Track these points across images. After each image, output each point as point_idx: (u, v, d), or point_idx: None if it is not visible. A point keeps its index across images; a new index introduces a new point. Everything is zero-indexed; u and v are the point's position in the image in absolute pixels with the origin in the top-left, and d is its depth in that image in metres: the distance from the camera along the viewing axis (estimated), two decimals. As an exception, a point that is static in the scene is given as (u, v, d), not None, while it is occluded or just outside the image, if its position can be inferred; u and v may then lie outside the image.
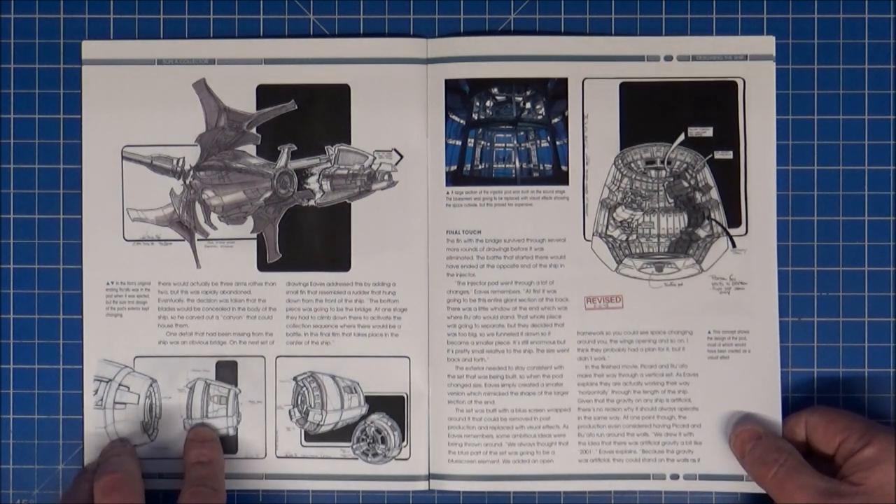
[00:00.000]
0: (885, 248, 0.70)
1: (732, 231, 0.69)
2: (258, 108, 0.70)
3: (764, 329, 0.69)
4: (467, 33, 0.71)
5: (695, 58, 0.69)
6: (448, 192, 0.70)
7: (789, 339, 0.70)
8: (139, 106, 0.70)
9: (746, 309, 0.69)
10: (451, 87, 0.70)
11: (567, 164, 0.70)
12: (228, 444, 0.70)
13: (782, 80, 0.70)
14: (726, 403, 0.69)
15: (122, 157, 0.70)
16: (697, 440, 0.69)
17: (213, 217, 0.70)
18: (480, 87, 0.70)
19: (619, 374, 0.69)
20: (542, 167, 0.70)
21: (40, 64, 0.71)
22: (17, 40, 0.71)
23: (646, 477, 0.69)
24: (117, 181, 0.70)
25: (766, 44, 0.69)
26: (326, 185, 0.70)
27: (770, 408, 0.69)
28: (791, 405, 0.69)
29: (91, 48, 0.71)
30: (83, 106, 0.71)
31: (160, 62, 0.71)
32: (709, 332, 0.69)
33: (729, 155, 0.69)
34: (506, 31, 0.71)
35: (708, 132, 0.69)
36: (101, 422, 0.70)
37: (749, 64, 0.69)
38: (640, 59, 0.70)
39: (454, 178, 0.70)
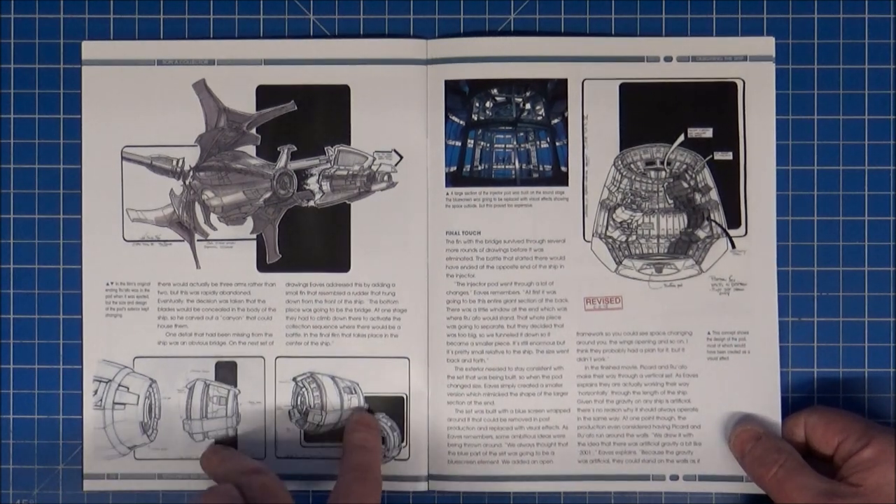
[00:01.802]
0: (885, 248, 0.70)
1: (732, 232, 0.69)
2: (258, 108, 0.70)
3: (763, 330, 0.69)
4: (467, 34, 0.71)
5: (694, 58, 0.69)
6: (448, 193, 0.70)
7: (789, 339, 0.70)
8: (139, 106, 0.70)
9: (746, 310, 0.69)
10: (451, 87, 0.70)
11: (567, 165, 0.69)
12: (228, 445, 0.70)
13: (782, 80, 0.70)
14: (726, 404, 0.69)
15: (122, 158, 0.70)
16: (697, 441, 0.69)
17: (213, 218, 0.70)
18: (480, 87, 0.70)
19: (619, 374, 0.69)
20: (541, 168, 0.69)
21: (40, 64, 0.71)
22: (17, 40, 0.71)
23: (645, 478, 0.69)
24: (117, 181, 0.70)
25: (766, 45, 0.69)
26: (326, 186, 0.70)
27: (770, 409, 0.69)
28: (791, 405, 0.69)
29: (91, 48, 0.71)
30: (83, 106, 0.71)
31: (160, 62, 0.71)
32: (708, 333, 0.69)
33: (729, 156, 0.69)
34: (505, 32, 0.71)
35: (708, 133, 0.69)
36: (100, 422, 0.70)
37: (749, 65, 0.69)
38: (639, 59, 0.70)
39: (454, 179, 0.70)
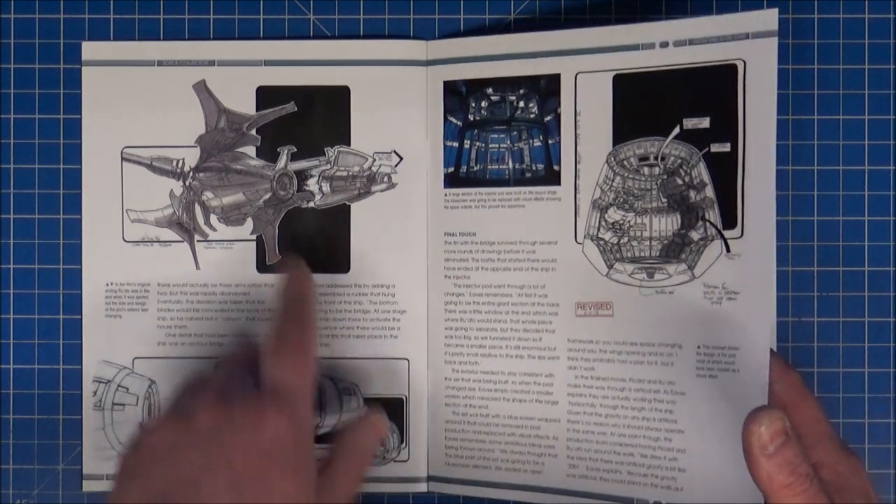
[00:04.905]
0: (885, 248, 0.70)
1: (727, 233, 0.65)
2: (258, 109, 0.70)
3: (755, 346, 0.63)
4: (466, 33, 0.71)
5: (692, 41, 0.65)
6: (446, 194, 0.69)
7: (789, 340, 0.70)
8: (139, 107, 0.70)
9: (738, 322, 0.64)
10: (450, 88, 0.69)
11: (559, 164, 0.68)
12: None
13: (782, 79, 0.70)
14: (712, 428, 0.64)
15: (122, 158, 0.70)
16: (681, 467, 0.65)
17: (213, 218, 0.71)
18: (476, 87, 0.69)
19: (608, 386, 0.67)
20: (534, 167, 0.69)
21: (40, 64, 0.71)
22: (17, 40, 0.71)
23: (629, 501, 0.67)
24: (117, 182, 0.70)
25: (769, 18, 0.64)
26: (326, 187, 0.70)
27: None
28: (791, 405, 0.69)
29: (91, 49, 0.71)
30: (83, 107, 0.71)
31: (160, 63, 0.71)
32: (698, 347, 0.65)
33: (727, 147, 0.64)
34: (501, 30, 0.71)
35: (705, 123, 0.65)
36: (99, 423, 0.70)
37: (750, 43, 0.64)
38: (634, 47, 0.67)
39: (451, 180, 0.70)
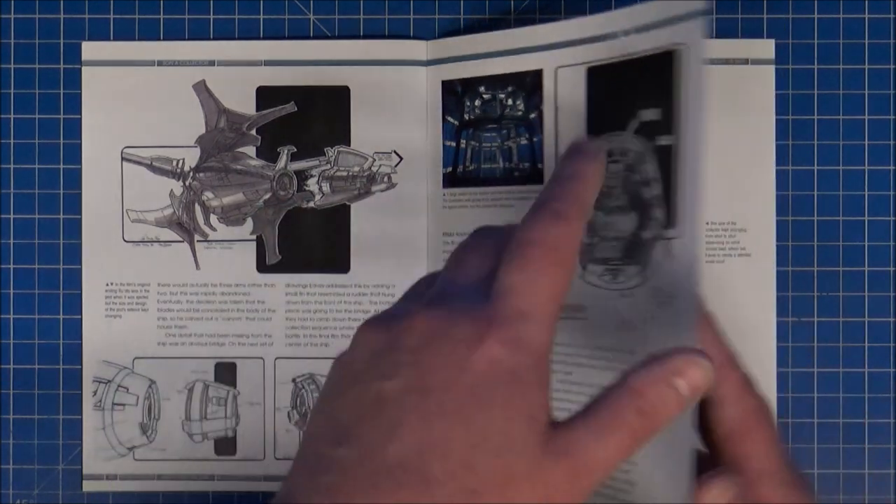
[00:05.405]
0: (885, 248, 0.70)
1: (669, 232, 0.55)
2: (258, 109, 0.70)
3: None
4: (465, 32, 0.71)
5: (645, 28, 0.57)
6: (444, 194, 0.69)
7: (789, 340, 0.70)
8: (139, 107, 0.71)
9: (673, 326, 0.55)
10: (448, 88, 0.69)
11: (542, 162, 0.66)
12: (227, 446, 0.70)
13: (782, 80, 0.70)
14: (661, 441, 0.51)
15: (122, 158, 0.70)
16: (632, 480, 0.55)
17: (213, 218, 0.71)
18: (470, 86, 0.69)
19: (583, 393, 0.58)
20: (521, 166, 0.67)
21: (40, 64, 0.71)
22: (17, 40, 0.71)
23: None
24: (117, 182, 0.70)
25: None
26: (326, 187, 0.70)
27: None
28: (791, 405, 0.69)
29: (91, 49, 0.71)
30: (83, 107, 0.71)
31: (160, 63, 0.71)
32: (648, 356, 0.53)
33: (672, 140, 0.55)
34: (494, 27, 0.70)
35: (656, 115, 0.56)
36: (99, 423, 0.70)
37: (682, 27, 0.55)
38: (602, 38, 0.60)
39: (450, 180, 0.69)
